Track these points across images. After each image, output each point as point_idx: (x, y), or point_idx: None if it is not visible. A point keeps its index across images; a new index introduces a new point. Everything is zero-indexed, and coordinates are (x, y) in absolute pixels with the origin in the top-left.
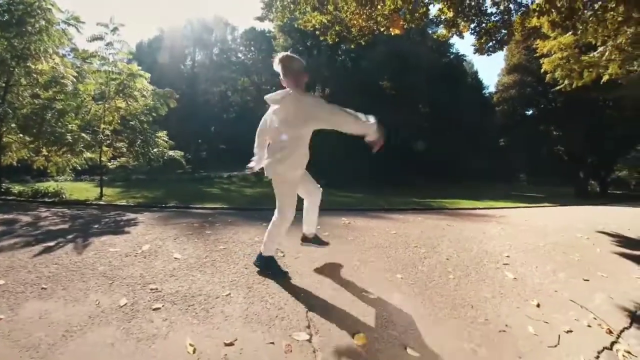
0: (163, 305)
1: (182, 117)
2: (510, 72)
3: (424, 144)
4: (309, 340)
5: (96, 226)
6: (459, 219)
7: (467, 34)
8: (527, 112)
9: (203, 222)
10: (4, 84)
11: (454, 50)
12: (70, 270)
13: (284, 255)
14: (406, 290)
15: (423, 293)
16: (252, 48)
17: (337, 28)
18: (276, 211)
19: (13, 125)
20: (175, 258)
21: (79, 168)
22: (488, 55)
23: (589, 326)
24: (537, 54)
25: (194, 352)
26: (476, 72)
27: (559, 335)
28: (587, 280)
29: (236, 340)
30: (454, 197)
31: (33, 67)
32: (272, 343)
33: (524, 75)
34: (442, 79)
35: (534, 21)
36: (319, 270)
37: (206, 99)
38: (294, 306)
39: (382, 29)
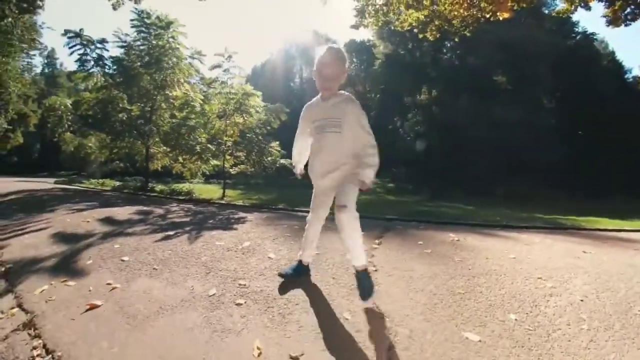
0: (245, 302)
1: (294, 129)
2: None
3: (528, 143)
4: None
5: (211, 221)
6: (599, 244)
7: (594, 4)
8: None
9: (304, 226)
10: (149, 109)
11: (580, 29)
12: (179, 257)
13: (376, 270)
14: (520, 337)
15: (542, 345)
16: (354, 59)
17: (436, 23)
18: (354, 209)
19: (157, 139)
20: (269, 257)
21: (208, 173)
22: (626, 25)
23: None
24: None
25: (258, 355)
26: (613, 53)
27: None
28: None
29: (302, 355)
30: (591, 214)
31: (170, 94)
32: None
33: None
34: (569, 65)
35: None
36: (414, 295)
37: None
38: (374, 332)
39: (487, 15)
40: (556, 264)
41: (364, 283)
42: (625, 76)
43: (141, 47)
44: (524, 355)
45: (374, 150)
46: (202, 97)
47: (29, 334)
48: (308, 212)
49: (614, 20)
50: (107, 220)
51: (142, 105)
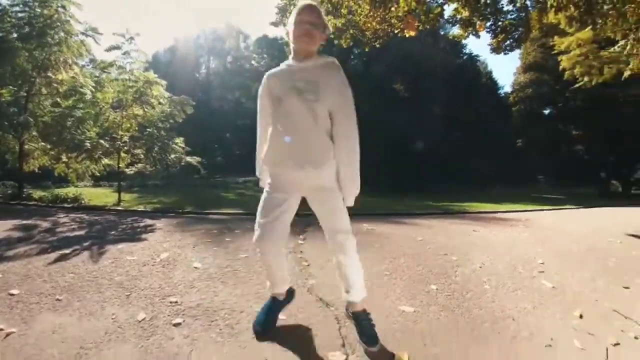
0: (184, 321)
1: (198, 124)
2: (526, 70)
3: (422, 144)
4: None
5: (113, 233)
6: (484, 224)
7: (483, 33)
8: (544, 111)
9: (222, 229)
10: (25, 94)
11: (468, 51)
12: (87, 280)
13: (308, 265)
14: (443, 302)
15: (461, 305)
16: (265, 55)
17: (351, 32)
18: (347, 230)
19: (34, 133)
20: (195, 267)
21: (98, 174)
22: (505, 54)
23: (635, 338)
24: (555, 51)
25: None
26: (490, 72)
27: (607, 349)
28: (628, 288)
29: None
30: (471, 201)
31: (53, 77)
32: None
33: (540, 74)
34: (457, 80)
35: (551, 17)
36: None
37: (221, 106)
38: (325, 322)
39: (396, 31)
40: (455, 242)
41: (368, 329)
42: (498, 92)
43: (20, 14)
44: (450, 316)
45: (351, 155)
46: (94, 83)
47: None
48: (220, 214)
49: (496, 49)
50: None
51: (16, 89)
